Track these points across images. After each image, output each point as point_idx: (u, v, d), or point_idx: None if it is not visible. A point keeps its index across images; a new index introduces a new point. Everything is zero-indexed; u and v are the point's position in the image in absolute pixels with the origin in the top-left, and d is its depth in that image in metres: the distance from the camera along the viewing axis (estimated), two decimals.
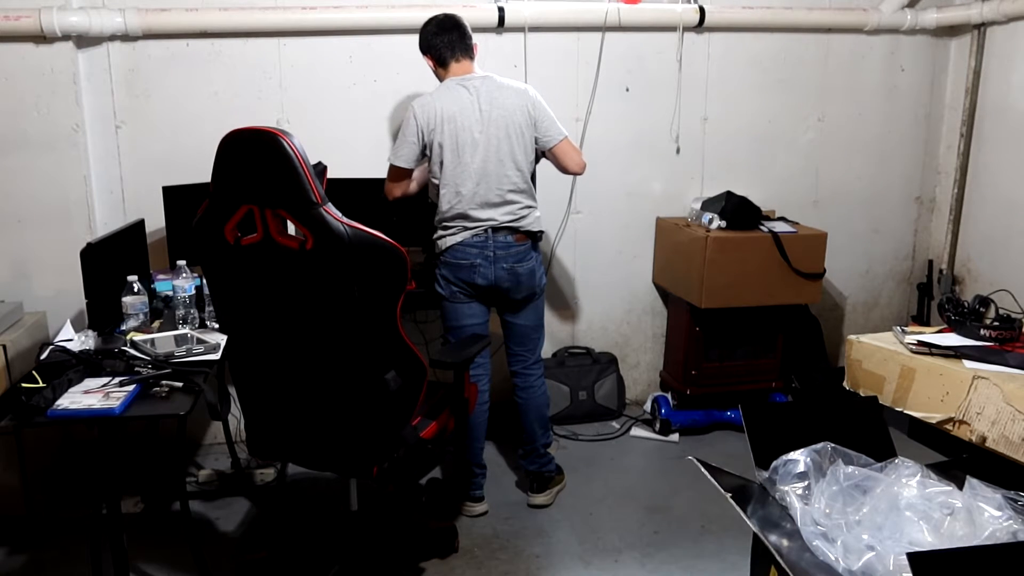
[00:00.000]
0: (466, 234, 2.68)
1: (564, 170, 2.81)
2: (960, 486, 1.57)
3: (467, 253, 2.69)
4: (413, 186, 2.83)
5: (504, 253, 2.70)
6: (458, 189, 2.66)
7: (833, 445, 1.69)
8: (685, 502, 2.95)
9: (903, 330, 2.62)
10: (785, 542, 1.52)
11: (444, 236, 2.73)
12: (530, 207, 2.74)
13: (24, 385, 2.05)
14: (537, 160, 2.81)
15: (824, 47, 3.74)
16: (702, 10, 3.49)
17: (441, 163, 2.66)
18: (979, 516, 1.48)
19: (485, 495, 2.90)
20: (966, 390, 2.25)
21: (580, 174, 2.83)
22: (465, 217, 2.67)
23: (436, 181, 2.71)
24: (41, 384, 2.06)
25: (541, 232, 2.82)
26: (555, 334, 3.72)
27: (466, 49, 2.71)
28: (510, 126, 2.65)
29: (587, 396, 3.63)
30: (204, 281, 2.66)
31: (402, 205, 3.17)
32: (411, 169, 2.73)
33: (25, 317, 2.86)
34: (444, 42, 2.69)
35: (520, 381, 2.92)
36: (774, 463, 1.69)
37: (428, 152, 2.69)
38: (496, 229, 2.68)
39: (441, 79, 2.74)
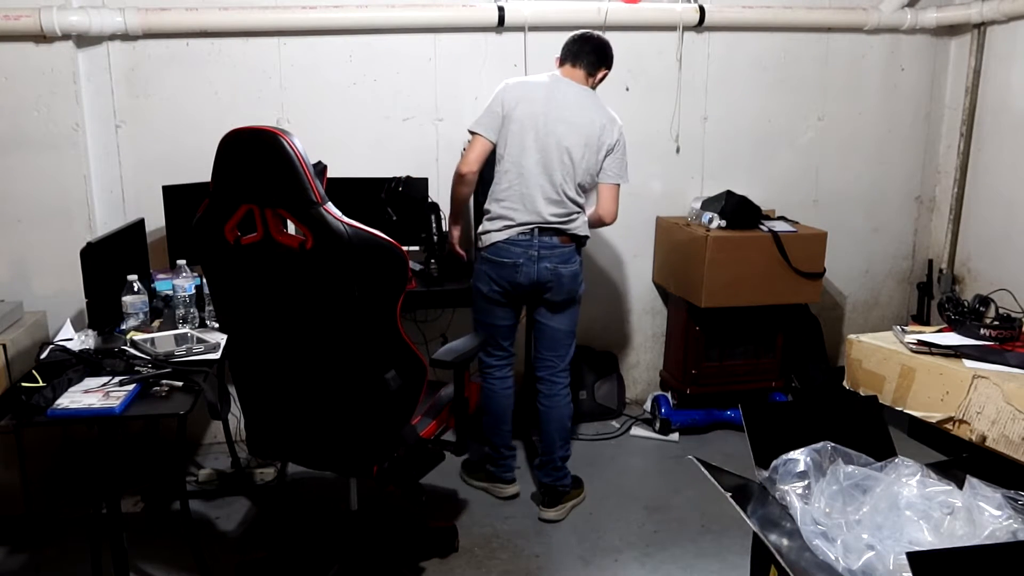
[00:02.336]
0: (512, 232, 2.67)
1: (599, 220, 2.83)
2: (960, 485, 1.57)
3: (511, 252, 2.68)
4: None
5: (548, 253, 2.68)
6: (521, 170, 2.65)
7: (833, 444, 1.70)
8: (685, 501, 2.96)
9: (903, 329, 2.63)
10: (785, 541, 1.52)
11: (490, 232, 2.71)
12: (579, 212, 2.74)
13: (24, 384, 2.05)
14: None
15: (824, 47, 3.74)
16: (702, 9, 3.49)
17: (512, 138, 2.65)
18: (979, 515, 1.48)
19: (516, 476, 2.95)
20: (966, 389, 2.25)
21: (608, 224, 2.85)
22: (521, 203, 2.65)
23: (500, 157, 2.69)
24: (41, 383, 2.06)
25: (586, 237, 2.80)
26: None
27: (588, 64, 2.73)
28: (590, 139, 2.67)
29: (587, 396, 3.63)
30: (204, 280, 2.66)
31: (402, 205, 3.17)
32: (491, 142, 2.69)
33: (25, 316, 2.86)
34: (574, 49, 2.75)
35: (545, 388, 2.87)
36: (774, 462, 1.70)
37: (502, 127, 2.67)
38: (542, 230, 2.67)
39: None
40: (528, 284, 2.70)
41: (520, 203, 2.66)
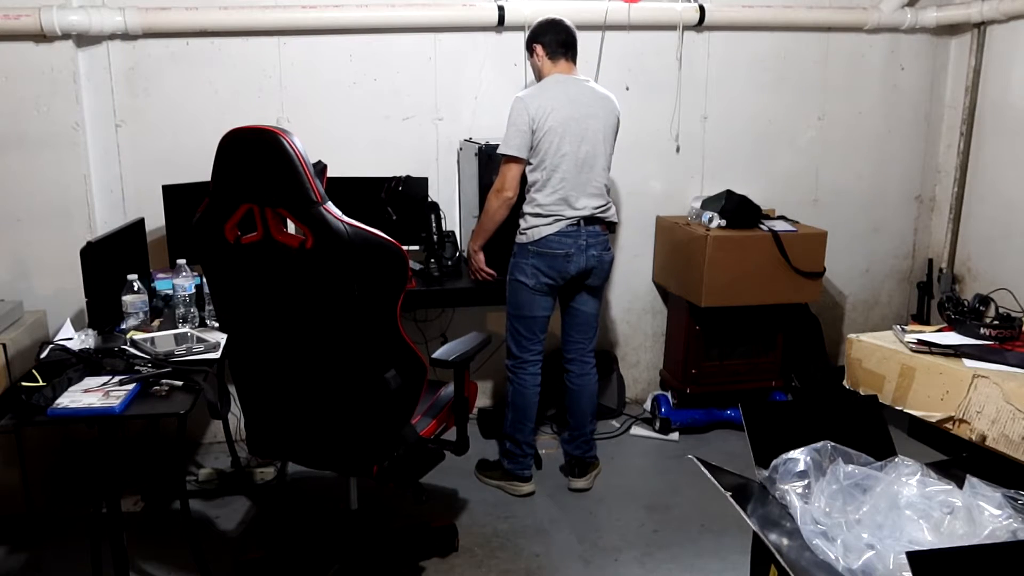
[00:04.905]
0: (562, 224, 2.78)
1: None
2: (960, 485, 1.57)
3: (563, 243, 2.79)
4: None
5: (594, 241, 2.84)
6: (564, 176, 2.76)
7: (833, 444, 1.69)
8: (685, 501, 2.96)
9: (903, 329, 2.62)
10: (785, 541, 1.52)
11: (539, 226, 2.79)
12: (611, 201, 2.90)
13: (24, 384, 2.05)
14: None
15: (824, 46, 3.74)
16: (702, 9, 3.49)
17: (546, 149, 2.74)
18: (979, 515, 1.48)
19: (532, 475, 3.00)
20: (966, 389, 2.25)
21: None
22: (567, 204, 2.77)
23: (535, 167, 2.77)
24: (41, 383, 2.06)
25: (616, 224, 2.97)
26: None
27: (574, 55, 2.85)
28: (607, 126, 2.83)
29: None
30: (204, 280, 2.66)
31: (402, 204, 3.17)
32: (524, 160, 2.76)
33: (25, 316, 2.86)
34: (558, 39, 2.81)
35: (576, 368, 3.03)
36: (774, 462, 1.69)
37: (534, 141, 2.75)
38: (588, 220, 2.81)
39: (542, 72, 2.85)
40: (577, 272, 2.84)
41: (566, 204, 2.78)
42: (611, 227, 2.93)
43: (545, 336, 2.96)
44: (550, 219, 2.78)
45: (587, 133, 2.77)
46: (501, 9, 3.29)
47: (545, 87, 2.80)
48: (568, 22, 2.84)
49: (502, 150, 2.76)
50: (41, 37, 2.91)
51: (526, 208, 2.82)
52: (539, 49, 2.82)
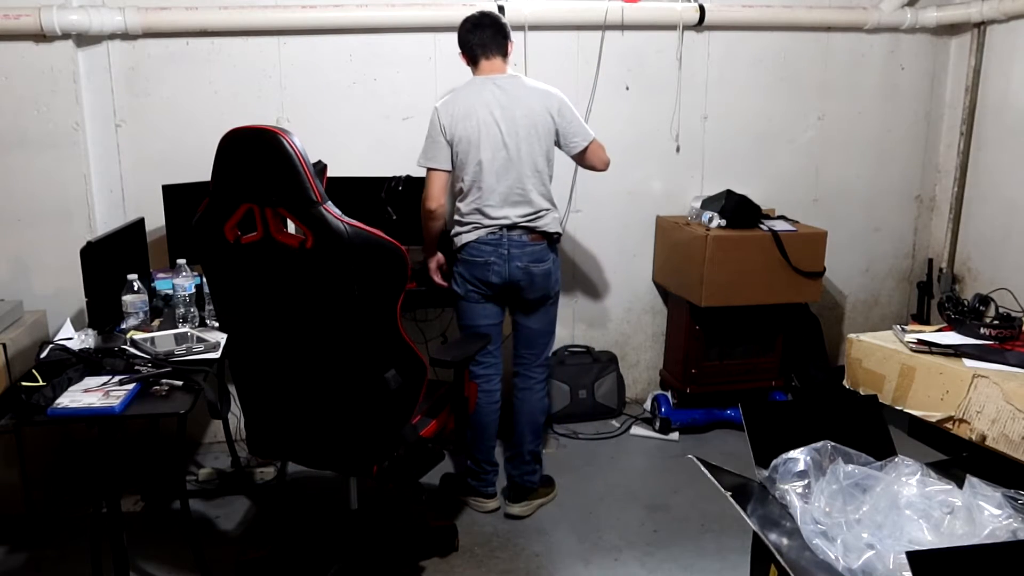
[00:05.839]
0: (481, 232, 2.68)
1: (591, 169, 2.85)
2: (960, 485, 1.57)
3: (482, 251, 2.68)
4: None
5: (519, 252, 2.68)
6: (479, 184, 2.65)
7: (833, 444, 1.70)
8: (685, 501, 2.96)
9: (903, 329, 2.62)
10: (785, 541, 1.52)
11: (460, 233, 2.72)
12: (547, 209, 2.73)
13: (24, 384, 2.05)
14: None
15: (824, 46, 3.74)
16: (702, 9, 3.49)
17: (462, 159, 2.66)
18: (979, 515, 1.48)
19: (497, 491, 2.89)
20: (966, 389, 2.25)
21: (605, 171, 2.86)
22: (482, 213, 2.66)
23: (458, 176, 2.70)
24: (41, 383, 2.06)
25: (558, 234, 2.79)
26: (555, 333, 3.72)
27: (498, 47, 2.69)
28: (533, 127, 2.64)
29: (587, 395, 3.63)
30: (204, 280, 2.66)
31: (401, 204, 3.16)
32: (447, 171, 2.68)
33: (25, 316, 2.86)
34: (476, 40, 2.68)
35: (520, 381, 2.88)
36: (774, 462, 1.70)
37: (454, 151, 2.67)
38: (511, 227, 2.67)
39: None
40: (500, 283, 2.70)
41: (482, 213, 2.67)
42: (548, 237, 2.73)
43: (498, 348, 2.81)
44: (469, 227, 2.69)
45: (508, 138, 2.62)
46: (501, 9, 3.28)
47: (459, 93, 2.68)
48: (487, 17, 2.70)
49: (420, 162, 2.72)
50: (41, 37, 2.91)
51: (454, 216, 2.75)
52: (464, 59, 2.73)
